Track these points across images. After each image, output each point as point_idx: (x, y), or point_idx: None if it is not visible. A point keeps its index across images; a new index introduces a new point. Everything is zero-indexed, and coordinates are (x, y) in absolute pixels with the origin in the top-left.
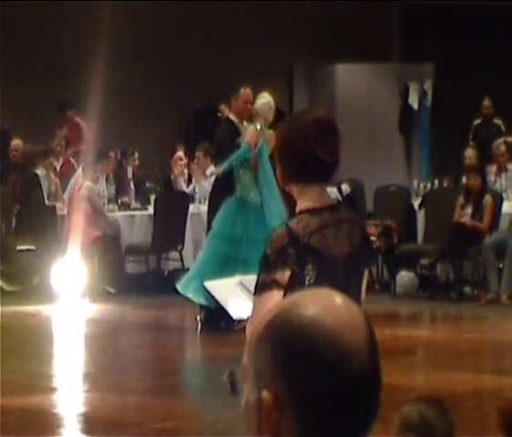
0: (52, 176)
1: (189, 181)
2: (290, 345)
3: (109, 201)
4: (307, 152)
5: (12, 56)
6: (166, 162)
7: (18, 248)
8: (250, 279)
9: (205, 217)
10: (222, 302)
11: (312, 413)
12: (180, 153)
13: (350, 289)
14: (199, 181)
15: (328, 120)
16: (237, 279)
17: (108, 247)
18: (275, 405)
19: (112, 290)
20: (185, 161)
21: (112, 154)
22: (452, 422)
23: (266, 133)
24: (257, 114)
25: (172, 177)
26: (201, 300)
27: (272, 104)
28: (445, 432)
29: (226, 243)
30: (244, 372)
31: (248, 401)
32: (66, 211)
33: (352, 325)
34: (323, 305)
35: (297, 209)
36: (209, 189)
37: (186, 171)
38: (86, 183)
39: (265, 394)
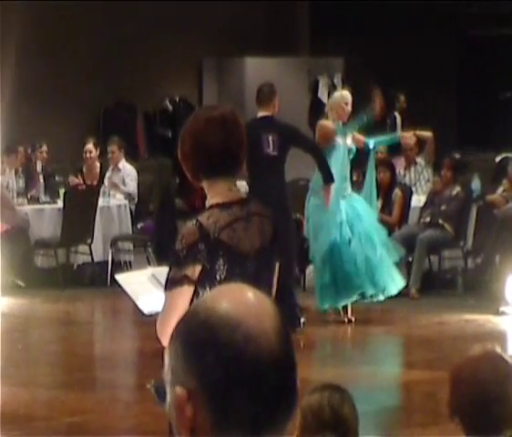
0: None
1: (101, 174)
2: (196, 337)
3: (18, 195)
4: (213, 147)
5: None
6: (75, 156)
7: None
8: (163, 272)
9: (114, 210)
10: (133, 296)
11: (224, 402)
12: (90, 145)
13: (261, 284)
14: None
15: (233, 116)
16: (149, 271)
17: (17, 240)
18: (188, 400)
19: (21, 284)
20: (96, 154)
21: (21, 148)
22: (356, 409)
23: (341, 129)
24: (330, 109)
25: (84, 169)
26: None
27: (344, 99)
28: (355, 422)
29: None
30: (166, 375)
31: (169, 401)
32: None
33: (258, 313)
34: (231, 297)
35: (207, 204)
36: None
37: (97, 164)
38: None
39: (178, 390)
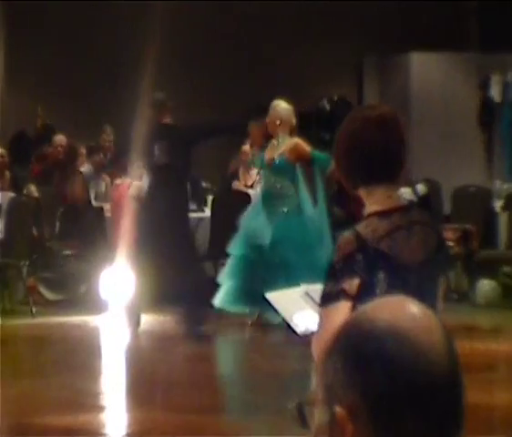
0: (102, 175)
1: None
2: (360, 350)
3: None
4: (371, 150)
5: (60, 47)
6: (222, 160)
7: (63, 253)
8: (317, 289)
9: None
10: (286, 316)
11: (389, 419)
12: (247, 147)
13: (424, 299)
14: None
15: (393, 115)
16: (302, 289)
17: None
18: (349, 418)
19: (165, 300)
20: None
21: None
22: None
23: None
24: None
25: (240, 173)
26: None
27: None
28: None
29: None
30: (315, 395)
31: (320, 423)
32: (111, 213)
33: (426, 326)
34: (395, 309)
35: (365, 213)
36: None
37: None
38: (134, 182)
39: (338, 409)
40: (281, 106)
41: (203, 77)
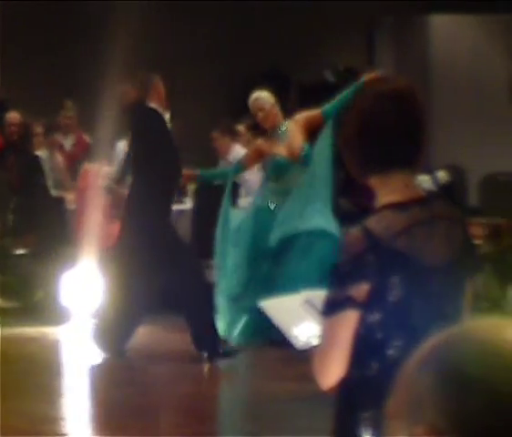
0: (58, 158)
1: None
2: (463, 370)
3: None
4: (385, 132)
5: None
6: (206, 139)
7: (16, 252)
8: (320, 296)
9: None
10: (283, 327)
11: None
12: (241, 127)
13: (448, 307)
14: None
15: (410, 91)
16: (302, 296)
17: None
18: None
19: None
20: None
21: None
22: None
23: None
24: None
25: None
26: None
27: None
28: None
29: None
30: (393, 408)
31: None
32: (75, 205)
33: None
34: (505, 331)
35: (377, 205)
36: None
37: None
38: (104, 168)
39: (420, 430)
40: (263, 95)
41: (191, 37)
